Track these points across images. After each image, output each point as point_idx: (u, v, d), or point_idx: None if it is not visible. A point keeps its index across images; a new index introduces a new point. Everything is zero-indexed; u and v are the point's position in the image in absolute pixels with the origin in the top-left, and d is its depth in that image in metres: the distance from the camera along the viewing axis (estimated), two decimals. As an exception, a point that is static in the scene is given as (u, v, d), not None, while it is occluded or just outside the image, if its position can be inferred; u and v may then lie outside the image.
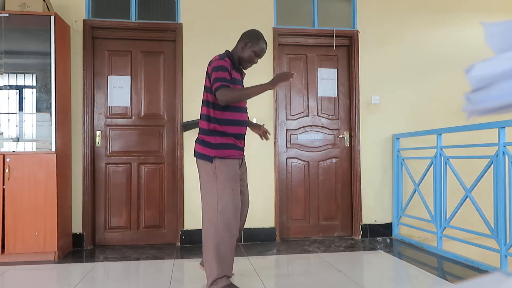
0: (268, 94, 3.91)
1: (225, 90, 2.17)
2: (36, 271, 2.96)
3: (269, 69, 3.90)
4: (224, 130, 2.29)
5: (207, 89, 2.33)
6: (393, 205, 4.04)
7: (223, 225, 2.24)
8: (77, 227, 3.63)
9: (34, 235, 3.15)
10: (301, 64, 4.10)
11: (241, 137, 2.38)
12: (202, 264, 2.59)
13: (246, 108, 2.46)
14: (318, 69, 4.12)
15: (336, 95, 4.14)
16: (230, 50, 2.44)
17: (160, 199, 3.86)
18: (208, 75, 2.32)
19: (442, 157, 3.36)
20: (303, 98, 4.09)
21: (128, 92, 3.85)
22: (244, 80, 2.51)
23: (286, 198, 4.01)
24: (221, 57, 2.31)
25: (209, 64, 2.33)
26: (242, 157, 2.43)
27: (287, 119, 4.05)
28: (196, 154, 2.34)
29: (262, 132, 2.67)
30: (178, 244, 3.75)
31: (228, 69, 2.26)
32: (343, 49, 4.15)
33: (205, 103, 2.33)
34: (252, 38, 2.36)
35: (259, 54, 2.38)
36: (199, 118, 3.63)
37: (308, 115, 4.09)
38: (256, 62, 2.44)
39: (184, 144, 3.80)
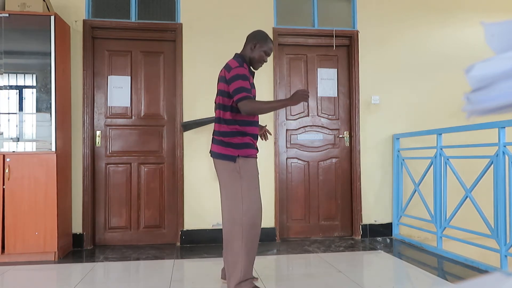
0: (268, 93, 3.91)
1: (248, 102, 2.19)
2: (36, 271, 2.96)
3: (269, 69, 3.90)
4: (243, 130, 2.32)
5: (223, 93, 2.32)
6: (393, 205, 4.04)
7: (249, 225, 2.23)
8: (77, 227, 3.63)
9: (34, 235, 3.15)
10: (301, 64, 4.10)
11: (256, 137, 2.42)
12: (223, 277, 2.52)
13: None
14: (318, 69, 4.12)
15: (336, 95, 4.14)
16: (239, 53, 2.45)
17: (160, 199, 3.86)
18: (224, 80, 2.30)
19: (442, 157, 3.36)
20: (303, 98, 4.09)
21: (128, 92, 3.85)
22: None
23: (286, 198, 4.01)
24: (239, 63, 2.29)
25: (226, 69, 2.31)
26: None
27: (287, 119, 4.05)
28: (216, 154, 2.33)
29: (263, 132, 2.71)
30: (178, 244, 3.75)
31: (248, 77, 2.28)
32: (343, 49, 4.15)
33: (222, 107, 2.33)
34: (259, 39, 2.41)
35: (269, 53, 2.44)
36: (200, 118, 3.70)
37: (308, 115, 4.09)
38: (266, 61, 2.49)
39: (184, 144, 3.80)
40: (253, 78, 2.45)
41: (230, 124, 2.31)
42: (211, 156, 2.39)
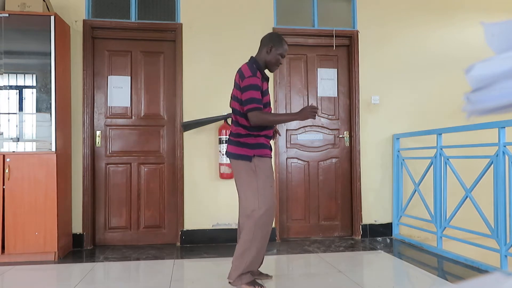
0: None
1: (258, 113, 2.30)
2: (36, 271, 2.96)
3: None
4: (259, 133, 2.42)
5: (237, 100, 2.40)
6: (393, 205, 4.04)
7: (261, 221, 2.33)
8: (77, 227, 3.63)
9: (34, 235, 3.15)
10: (301, 64, 4.10)
11: (270, 137, 2.53)
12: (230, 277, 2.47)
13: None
14: (318, 69, 4.12)
15: (336, 95, 4.14)
16: (254, 56, 2.49)
17: (160, 199, 3.86)
18: (238, 87, 2.38)
19: (442, 157, 3.36)
20: (303, 98, 4.09)
21: (128, 92, 3.85)
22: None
23: (286, 198, 4.01)
24: (252, 72, 2.35)
25: (240, 76, 2.37)
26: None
27: (287, 119, 4.05)
28: (232, 155, 2.43)
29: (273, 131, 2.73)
30: (178, 244, 3.75)
31: (260, 87, 2.35)
32: (343, 49, 4.15)
33: (238, 113, 2.42)
34: (275, 42, 2.46)
35: (284, 55, 2.51)
36: (200, 118, 3.70)
37: (308, 115, 4.09)
38: (282, 64, 2.52)
39: (184, 144, 3.80)
40: (268, 83, 2.51)
41: (247, 129, 2.41)
42: (227, 156, 2.48)
